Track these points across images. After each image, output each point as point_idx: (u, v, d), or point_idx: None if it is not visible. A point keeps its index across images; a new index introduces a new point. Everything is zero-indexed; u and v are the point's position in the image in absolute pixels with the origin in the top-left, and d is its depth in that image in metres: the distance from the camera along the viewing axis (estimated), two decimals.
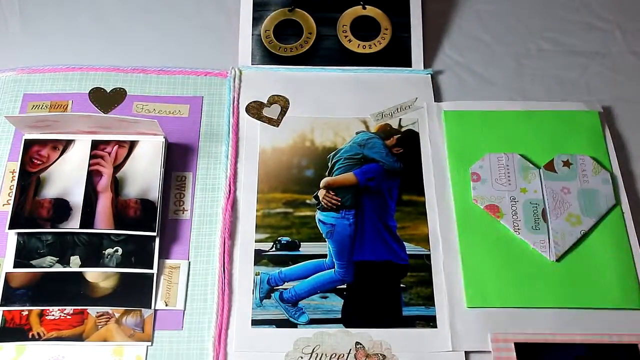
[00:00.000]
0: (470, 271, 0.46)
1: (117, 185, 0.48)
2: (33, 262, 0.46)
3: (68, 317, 0.45)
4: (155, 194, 0.47)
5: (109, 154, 0.49)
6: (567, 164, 0.50)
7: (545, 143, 0.51)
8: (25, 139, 0.49)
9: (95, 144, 0.49)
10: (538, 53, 0.57)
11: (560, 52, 0.58)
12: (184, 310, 0.45)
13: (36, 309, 0.45)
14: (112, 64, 0.55)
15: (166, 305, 0.45)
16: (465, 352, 0.44)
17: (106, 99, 0.53)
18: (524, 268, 0.46)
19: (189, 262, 0.47)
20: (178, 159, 0.51)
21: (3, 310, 0.44)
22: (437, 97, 0.54)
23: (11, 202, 0.47)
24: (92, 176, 0.48)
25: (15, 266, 0.46)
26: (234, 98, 0.54)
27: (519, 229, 0.47)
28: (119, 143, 0.49)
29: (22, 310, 0.45)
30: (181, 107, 0.53)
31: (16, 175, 0.48)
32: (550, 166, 0.50)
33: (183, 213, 0.49)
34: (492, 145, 0.51)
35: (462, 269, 0.46)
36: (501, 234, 0.47)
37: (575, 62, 0.57)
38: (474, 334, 0.44)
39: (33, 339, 0.44)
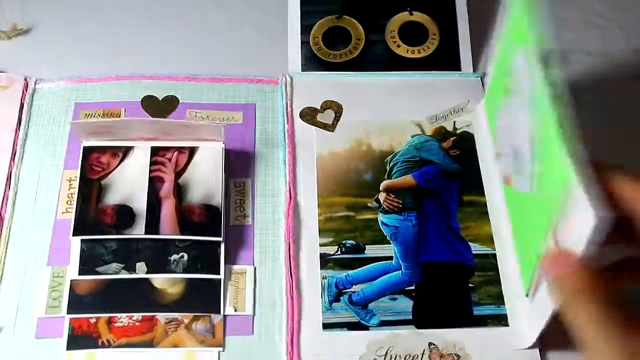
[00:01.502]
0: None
1: (179, 191, 0.48)
2: (98, 269, 0.45)
3: (137, 323, 0.44)
4: (218, 200, 0.47)
5: (169, 160, 0.49)
6: None
7: None
8: (84, 146, 0.49)
9: (155, 150, 0.49)
10: None
11: None
12: (254, 316, 0.45)
13: (104, 316, 0.44)
14: (162, 72, 0.55)
15: (235, 310, 0.45)
16: (540, 349, 0.44)
17: (159, 107, 0.53)
18: None
19: (255, 268, 0.47)
20: (235, 165, 0.51)
21: (71, 318, 0.44)
22: None
23: (71, 209, 0.47)
24: (154, 182, 0.48)
25: (80, 273, 0.45)
26: (286, 104, 0.54)
27: None
28: (179, 149, 0.49)
29: (90, 318, 0.44)
30: (235, 114, 0.54)
31: (75, 182, 0.48)
32: None
33: (245, 219, 0.49)
34: None
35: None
36: None
37: None
38: None
39: (103, 346, 0.43)
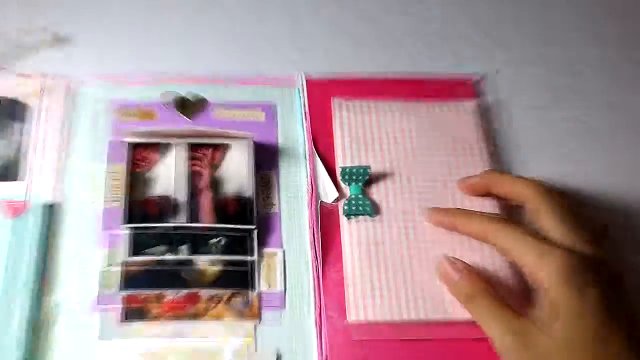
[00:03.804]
0: None
1: (215, 184, 0.54)
2: (146, 251, 0.51)
3: (182, 299, 0.50)
4: (250, 192, 0.54)
5: (206, 155, 0.55)
6: None
7: None
8: (129, 143, 0.54)
9: (192, 147, 0.55)
10: None
11: None
12: (285, 292, 0.52)
13: (153, 292, 0.50)
14: (192, 75, 0.61)
15: (269, 287, 0.51)
16: None
17: (189, 106, 0.59)
18: None
19: (283, 250, 0.53)
20: (261, 159, 0.57)
21: (123, 294, 0.50)
22: None
23: (116, 199, 0.53)
24: (193, 176, 0.54)
25: (130, 255, 0.51)
26: (303, 103, 0.60)
27: None
28: (214, 146, 0.55)
29: (141, 294, 0.50)
30: (257, 113, 0.60)
31: (117, 175, 0.54)
32: None
33: (272, 207, 0.55)
34: None
35: None
36: None
37: None
38: None
39: (154, 318, 0.49)
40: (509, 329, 0.41)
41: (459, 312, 0.48)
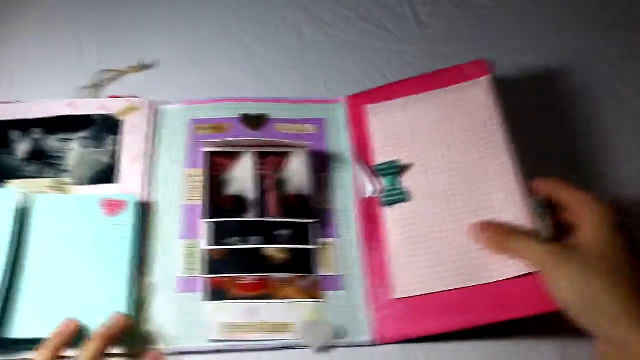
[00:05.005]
0: None
1: (279, 184, 0.63)
2: (223, 241, 0.61)
3: (256, 282, 0.59)
4: (308, 190, 0.63)
5: (271, 161, 0.65)
6: None
7: None
8: (207, 152, 0.65)
9: (259, 155, 0.65)
10: None
11: None
12: (341, 275, 0.61)
13: (230, 276, 0.60)
14: (255, 96, 0.71)
15: (327, 271, 0.60)
16: None
17: (254, 122, 0.69)
18: None
19: (338, 240, 0.62)
20: (315, 164, 0.66)
21: (204, 278, 0.59)
22: None
23: (194, 197, 0.63)
24: (260, 178, 0.64)
25: (209, 244, 0.61)
26: (346, 116, 0.70)
27: None
28: (277, 154, 0.65)
29: (219, 278, 0.59)
30: (310, 127, 0.69)
31: (195, 178, 0.64)
32: None
33: (326, 204, 0.64)
34: None
35: None
36: None
37: None
38: None
39: (232, 298, 0.59)
40: (545, 250, 0.52)
41: (490, 275, 0.55)
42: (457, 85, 0.66)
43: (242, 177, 0.64)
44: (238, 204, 0.62)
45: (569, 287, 0.49)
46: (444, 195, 0.61)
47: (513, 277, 0.55)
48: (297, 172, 0.64)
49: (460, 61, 0.68)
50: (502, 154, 0.60)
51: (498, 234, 0.55)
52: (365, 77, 0.75)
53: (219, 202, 0.62)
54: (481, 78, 0.65)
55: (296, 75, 0.75)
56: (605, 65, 0.74)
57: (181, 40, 0.78)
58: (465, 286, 0.56)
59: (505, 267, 0.55)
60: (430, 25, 0.79)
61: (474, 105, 0.64)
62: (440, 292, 0.57)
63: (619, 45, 0.76)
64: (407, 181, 0.63)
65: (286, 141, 0.65)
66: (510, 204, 0.58)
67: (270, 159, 0.65)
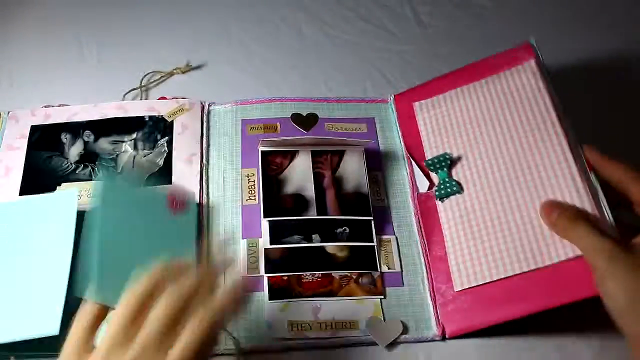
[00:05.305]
0: None
1: (336, 183, 0.64)
2: (284, 240, 0.61)
3: (319, 279, 0.59)
4: (365, 189, 0.63)
5: (326, 160, 0.65)
6: None
7: None
8: (261, 151, 0.65)
9: (314, 153, 0.65)
10: None
11: None
12: (402, 272, 0.61)
13: (293, 274, 0.59)
14: (305, 96, 0.72)
15: (388, 268, 0.60)
16: None
17: (304, 121, 0.69)
18: None
19: (396, 237, 0.63)
20: (369, 162, 0.66)
21: (268, 276, 0.59)
22: None
23: (253, 197, 0.63)
24: (317, 177, 0.64)
25: (271, 243, 0.60)
26: (396, 115, 0.70)
27: None
28: (331, 152, 0.65)
29: (283, 276, 0.59)
30: (360, 125, 0.70)
31: (252, 177, 0.64)
32: None
33: (382, 202, 0.65)
34: None
35: None
36: None
37: None
38: None
39: (296, 296, 0.58)
40: (603, 242, 0.50)
41: (545, 258, 0.55)
42: (503, 72, 0.65)
43: (300, 175, 0.64)
44: (298, 202, 0.62)
45: (618, 286, 0.48)
46: (496, 184, 0.60)
47: (571, 259, 0.54)
48: (352, 170, 0.65)
49: (460, 61, 0.68)
50: (559, 138, 0.59)
51: (565, 217, 0.55)
52: (365, 77, 0.75)
53: (278, 201, 0.62)
54: (527, 62, 0.64)
55: (296, 75, 0.75)
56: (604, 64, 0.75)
57: (181, 41, 0.78)
58: (523, 271, 0.55)
59: (562, 248, 0.54)
60: (430, 25, 0.80)
61: (524, 90, 0.63)
62: (500, 279, 0.56)
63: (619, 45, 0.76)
64: (459, 173, 0.63)
65: (346, 139, 0.65)
66: (572, 191, 0.56)
67: (325, 158, 0.65)
